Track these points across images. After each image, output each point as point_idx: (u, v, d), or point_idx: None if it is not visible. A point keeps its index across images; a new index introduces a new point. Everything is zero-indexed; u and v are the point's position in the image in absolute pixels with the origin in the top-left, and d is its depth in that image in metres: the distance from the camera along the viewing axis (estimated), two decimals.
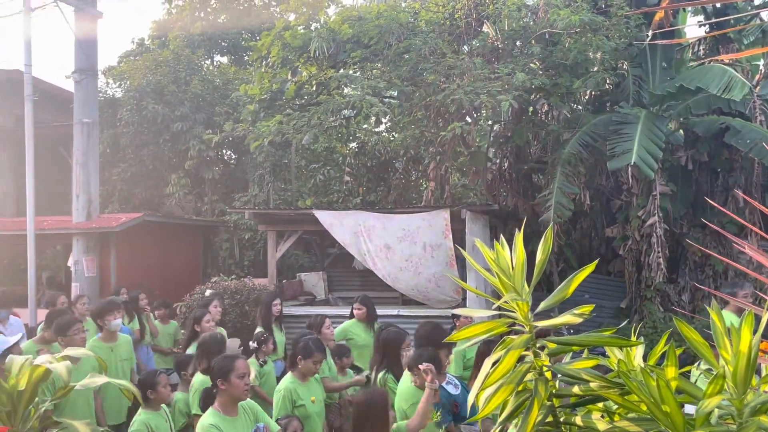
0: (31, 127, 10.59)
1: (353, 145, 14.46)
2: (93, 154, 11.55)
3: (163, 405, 4.41)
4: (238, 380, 3.67)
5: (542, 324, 2.08)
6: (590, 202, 10.34)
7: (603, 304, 10.25)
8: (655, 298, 9.87)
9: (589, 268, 2.06)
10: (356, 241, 8.86)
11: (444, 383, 4.09)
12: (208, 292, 8.37)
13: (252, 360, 5.55)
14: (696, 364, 2.69)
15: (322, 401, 4.83)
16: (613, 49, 9.30)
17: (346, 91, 10.43)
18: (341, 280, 11.51)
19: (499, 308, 2.13)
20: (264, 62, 10.90)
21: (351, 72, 10.47)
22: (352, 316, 6.59)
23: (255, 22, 18.81)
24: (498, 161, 12.33)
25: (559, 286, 2.09)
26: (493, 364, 1.99)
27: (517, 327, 2.08)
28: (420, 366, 3.83)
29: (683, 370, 1.96)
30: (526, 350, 2.02)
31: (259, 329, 6.42)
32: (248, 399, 3.88)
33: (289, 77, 10.47)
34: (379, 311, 6.91)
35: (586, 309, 1.99)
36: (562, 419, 2.02)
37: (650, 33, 9.82)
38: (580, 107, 11.45)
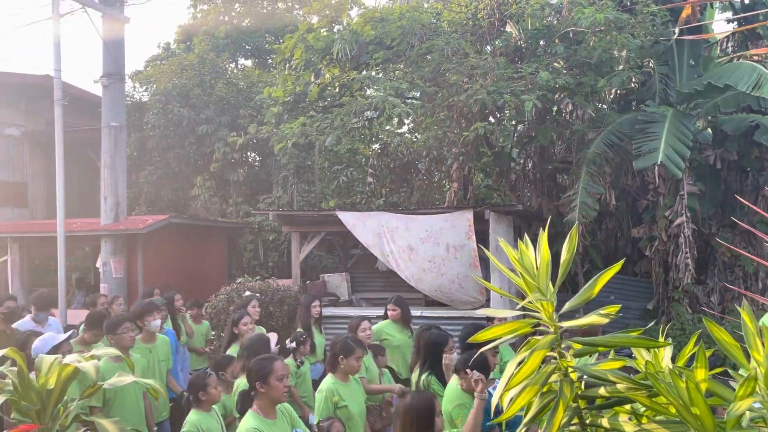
0: (61, 130, 10.80)
1: (376, 146, 14.45)
2: (120, 157, 11.73)
3: (213, 406, 4.37)
4: (277, 382, 3.60)
5: (567, 324, 2.05)
6: (616, 202, 10.20)
7: (629, 306, 10.07)
8: (683, 299, 9.70)
9: (614, 268, 2.03)
10: (379, 242, 8.86)
11: (491, 387, 4.01)
12: (247, 293, 8.25)
13: (289, 360, 5.52)
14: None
15: (363, 402, 4.75)
16: (638, 47, 9.15)
17: (368, 92, 10.43)
18: (364, 281, 11.51)
19: (523, 309, 2.11)
20: (287, 65, 10.96)
21: (373, 73, 10.47)
22: (386, 316, 6.59)
23: (278, 25, 19.00)
24: (522, 161, 12.23)
25: (584, 287, 2.06)
26: (518, 364, 1.97)
27: (541, 327, 2.06)
28: (469, 372, 3.76)
29: (713, 372, 1.92)
30: (551, 351, 2.00)
31: (299, 330, 6.43)
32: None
33: (312, 79, 10.51)
34: None
35: (612, 309, 1.97)
36: (588, 421, 1.99)
37: (677, 30, 9.66)
38: (605, 106, 11.30)
